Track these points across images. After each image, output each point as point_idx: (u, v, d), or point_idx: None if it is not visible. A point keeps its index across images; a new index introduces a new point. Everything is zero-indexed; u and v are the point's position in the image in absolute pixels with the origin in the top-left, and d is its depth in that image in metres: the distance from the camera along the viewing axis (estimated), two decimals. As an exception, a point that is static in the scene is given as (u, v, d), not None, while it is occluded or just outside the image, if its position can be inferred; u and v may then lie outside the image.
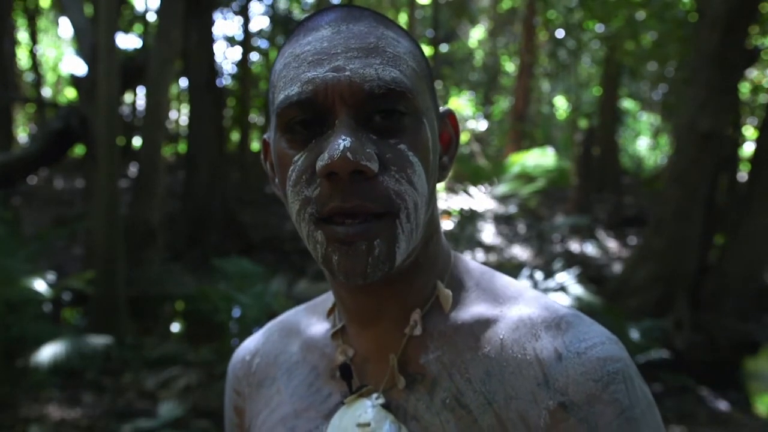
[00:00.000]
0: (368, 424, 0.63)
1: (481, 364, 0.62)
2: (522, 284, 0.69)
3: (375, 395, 0.65)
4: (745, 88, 9.65)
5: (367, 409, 0.64)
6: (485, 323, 0.64)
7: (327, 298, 0.77)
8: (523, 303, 0.64)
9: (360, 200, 0.56)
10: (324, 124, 0.59)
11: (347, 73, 0.57)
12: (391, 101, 0.58)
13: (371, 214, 0.57)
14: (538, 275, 4.92)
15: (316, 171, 0.58)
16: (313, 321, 0.76)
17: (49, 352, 3.99)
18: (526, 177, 5.54)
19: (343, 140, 0.55)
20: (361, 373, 0.68)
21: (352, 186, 0.56)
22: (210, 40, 10.49)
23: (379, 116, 0.59)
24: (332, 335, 0.71)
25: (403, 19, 14.28)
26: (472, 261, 0.72)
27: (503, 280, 0.69)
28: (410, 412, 0.63)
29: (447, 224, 5.69)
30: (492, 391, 0.60)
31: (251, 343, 0.82)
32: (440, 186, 0.67)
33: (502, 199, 6.12)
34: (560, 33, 15.28)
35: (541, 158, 5.44)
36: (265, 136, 0.71)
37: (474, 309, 0.65)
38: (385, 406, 0.64)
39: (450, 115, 0.69)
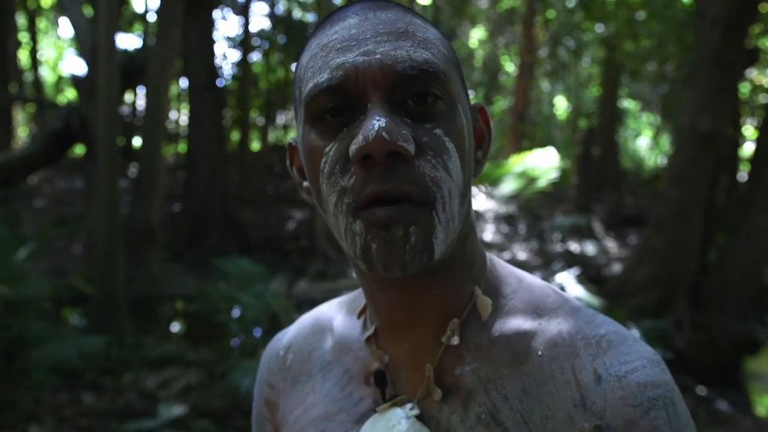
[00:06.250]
0: None
1: (519, 381, 0.60)
2: (563, 293, 0.67)
3: (409, 405, 0.63)
4: (745, 88, 9.65)
5: (401, 419, 0.62)
6: (523, 336, 0.62)
7: (359, 296, 0.75)
8: (563, 316, 0.62)
9: (397, 183, 0.55)
10: (355, 110, 0.57)
11: (378, 56, 0.56)
12: (424, 83, 0.57)
13: (408, 202, 0.55)
14: (538, 276, 4.91)
15: (350, 159, 0.56)
16: (346, 319, 0.74)
17: (49, 352, 3.99)
18: (527, 178, 5.53)
19: (378, 120, 0.54)
20: (395, 380, 0.66)
21: (388, 169, 0.54)
22: (210, 40, 10.49)
23: (413, 101, 0.57)
24: (366, 340, 0.69)
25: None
26: (508, 264, 0.70)
27: (541, 288, 0.67)
28: (443, 424, 0.61)
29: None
30: (529, 409, 0.58)
31: (284, 337, 0.80)
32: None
33: (504, 200, 6.12)
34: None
35: (543, 160, 5.42)
36: (290, 140, 0.69)
37: (512, 320, 0.63)
38: (419, 418, 0.62)
39: (481, 109, 0.67)
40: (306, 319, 0.81)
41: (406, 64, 0.56)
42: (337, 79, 0.56)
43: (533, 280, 0.68)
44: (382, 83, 0.56)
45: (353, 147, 0.55)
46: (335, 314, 0.77)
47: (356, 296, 0.76)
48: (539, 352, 0.60)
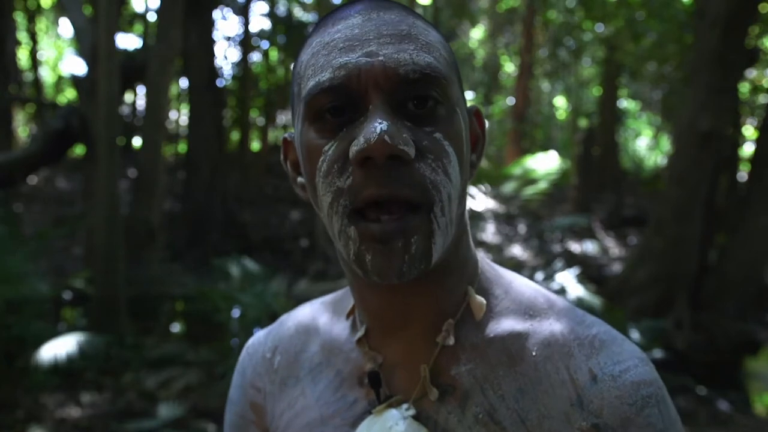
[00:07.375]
0: None
1: (514, 381, 0.60)
2: (551, 293, 0.67)
3: (405, 406, 0.63)
4: (745, 88, 9.65)
5: (398, 420, 0.62)
6: (517, 337, 0.62)
7: (345, 297, 0.74)
8: (555, 316, 0.63)
9: (396, 186, 0.55)
10: (355, 111, 0.57)
11: (381, 57, 0.56)
12: (425, 87, 0.57)
13: (406, 207, 0.55)
14: (539, 275, 4.92)
15: (348, 159, 0.56)
16: (332, 320, 0.73)
17: (49, 352, 3.99)
18: (528, 180, 5.54)
19: (380, 123, 0.54)
20: (389, 381, 0.65)
21: (388, 172, 0.54)
22: (210, 40, 10.49)
23: (413, 104, 0.57)
24: (357, 341, 0.68)
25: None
26: (496, 265, 0.70)
27: (532, 288, 0.67)
28: (441, 424, 0.61)
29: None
30: (525, 409, 0.59)
31: (266, 338, 0.79)
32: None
33: (504, 200, 6.13)
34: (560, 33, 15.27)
35: (544, 163, 5.42)
36: (285, 135, 0.69)
37: (505, 321, 0.64)
38: (416, 418, 0.62)
39: (476, 112, 0.67)
40: (288, 319, 0.79)
41: (408, 68, 0.56)
42: (339, 78, 0.56)
43: (522, 280, 0.69)
44: (384, 85, 0.56)
45: (354, 149, 0.54)
46: (320, 315, 0.75)
47: (341, 297, 0.75)
48: (533, 353, 0.61)
